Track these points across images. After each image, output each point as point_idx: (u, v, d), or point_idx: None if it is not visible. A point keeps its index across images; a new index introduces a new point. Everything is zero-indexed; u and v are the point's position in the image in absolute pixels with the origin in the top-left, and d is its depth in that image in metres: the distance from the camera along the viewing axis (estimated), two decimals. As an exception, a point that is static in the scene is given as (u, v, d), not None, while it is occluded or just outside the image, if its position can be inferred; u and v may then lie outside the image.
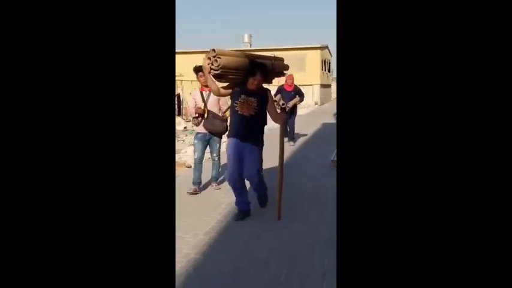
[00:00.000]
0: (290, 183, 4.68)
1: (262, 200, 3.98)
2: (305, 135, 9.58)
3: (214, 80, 3.47)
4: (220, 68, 3.24)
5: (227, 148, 3.67)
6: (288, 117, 8.14)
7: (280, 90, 8.14)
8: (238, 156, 3.55)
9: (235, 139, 3.56)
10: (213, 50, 3.29)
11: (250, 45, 31.16)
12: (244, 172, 3.61)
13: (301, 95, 8.17)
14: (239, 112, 3.49)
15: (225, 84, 3.63)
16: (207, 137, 4.56)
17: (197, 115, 4.46)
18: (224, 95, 3.69)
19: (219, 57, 3.23)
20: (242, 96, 3.48)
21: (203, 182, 4.77)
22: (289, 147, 7.84)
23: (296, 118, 8.56)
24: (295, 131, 8.54)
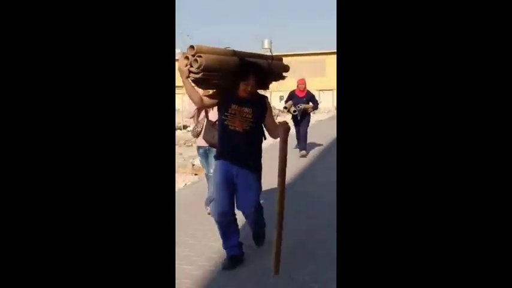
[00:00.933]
0: (298, 197, 4.17)
1: (260, 238, 3.19)
2: (320, 145, 8.72)
3: (194, 86, 2.70)
4: (202, 70, 2.51)
5: (214, 171, 2.90)
6: (297, 125, 7.28)
7: (292, 95, 7.33)
8: (229, 185, 2.78)
9: (225, 162, 2.77)
10: (192, 46, 2.54)
11: (271, 51, 30.54)
12: (239, 205, 2.85)
13: (314, 102, 7.32)
14: (230, 127, 2.71)
15: (209, 91, 2.93)
16: (208, 151, 3.88)
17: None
18: (209, 106, 2.93)
19: (200, 56, 2.50)
20: (233, 106, 2.71)
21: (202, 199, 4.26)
22: (300, 160, 7.07)
23: (309, 127, 7.67)
24: (308, 141, 7.68)
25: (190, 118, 3.95)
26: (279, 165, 2.46)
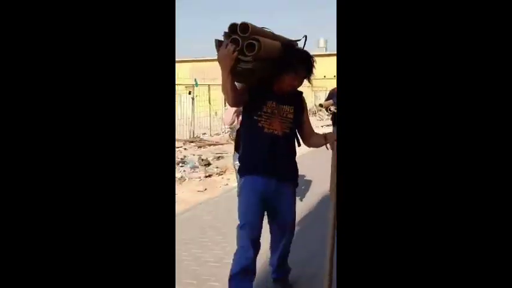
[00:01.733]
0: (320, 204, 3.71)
1: (286, 269, 2.54)
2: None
3: (234, 81, 2.02)
4: (257, 57, 1.84)
5: (242, 189, 2.25)
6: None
7: (332, 94, 6.33)
8: (262, 207, 2.17)
9: (259, 179, 2.14)
10: (245, 25, 1.81)
11: (326, 49, 29.69)
12: (277, 228, 2.30)
13: None
14: (266, 130, 2.09)
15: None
16: None
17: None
18: (243, 105, 2.30)
19: (256, 39, 1.81)
20: (269, 103, 2.11)
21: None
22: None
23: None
24: None
25: (231, 126, 3.53)
26: (331, 182, 2.01)
